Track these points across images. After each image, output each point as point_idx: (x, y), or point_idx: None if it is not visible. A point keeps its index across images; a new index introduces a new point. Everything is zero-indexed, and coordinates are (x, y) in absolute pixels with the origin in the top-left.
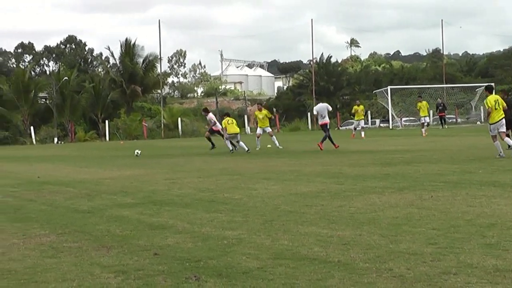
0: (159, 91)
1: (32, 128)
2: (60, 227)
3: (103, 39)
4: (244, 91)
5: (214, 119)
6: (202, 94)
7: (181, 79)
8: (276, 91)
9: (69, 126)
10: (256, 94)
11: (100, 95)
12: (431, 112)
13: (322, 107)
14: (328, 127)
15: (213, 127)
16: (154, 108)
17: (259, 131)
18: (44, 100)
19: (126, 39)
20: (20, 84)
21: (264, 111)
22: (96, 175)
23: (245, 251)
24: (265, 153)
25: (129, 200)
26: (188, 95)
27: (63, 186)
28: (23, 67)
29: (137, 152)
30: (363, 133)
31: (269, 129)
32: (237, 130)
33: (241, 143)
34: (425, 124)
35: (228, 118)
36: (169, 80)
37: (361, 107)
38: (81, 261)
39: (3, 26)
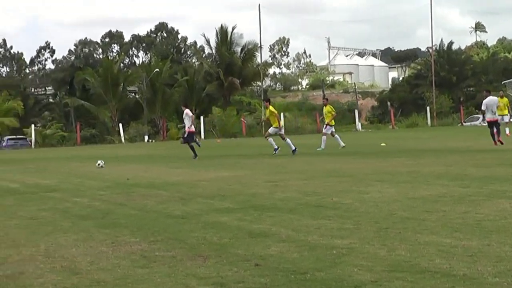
0: (259, 83)
1: (120, 125)
2: (152, 234)
3: (197, 26)
4: (354, 83)
5: (191, 118)
6: (307, 86)
7: (284, 70)
8: (390, 82)
9: (160, 122)
10: (368, 86)
11: (194, 88)
12: None
13: (492, 101)
14: (499, 123)
15: (187, 128)
16: (254, 102)
17: (324, 129)
18: (133, 94)
19: (222, 26)
20: (109, 77)
21: (328, 107)
22: (191, 176)
23: (357, 262)
24: (377, 153)
25: (227, 205)
26: (292, 87)
27: (154, 189)
28: (111, 58)
29: (100, 163)
30: (507, 130)
31: (331, 129)
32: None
33: (288, 140)
34: None
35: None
36: (270, 71)
37: (505, 99)
38: (175, 271)
39: (88, 15)
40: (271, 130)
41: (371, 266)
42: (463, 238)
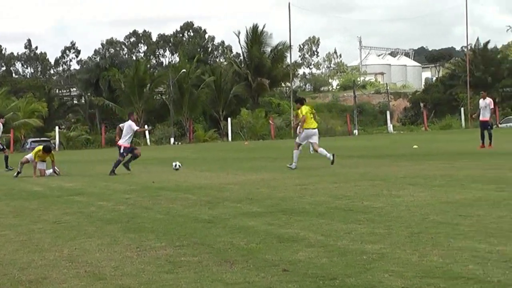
0: (288, 84)
1: (146, 127)
2: (178, 238)
3: (225, 26)
4: (386, 84)
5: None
6: (337, 87)
7: (314, 70)
8: (423, 83)
9: (187, 124)
10: (400, 87)
11: (222, 89)
12: None
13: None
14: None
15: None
16: (283, 103)
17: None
18: (159, 95)
19: (255, 25)
20: (135, 78)
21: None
22: (218, 179)
23: (388, 268)
24: (410, 155)
25: (255, 209)
26: (322, 88)
27: (181, 192)
28: (138, 58)
29: (177, 165)
30: None
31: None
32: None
33: (320, 149)
34: None
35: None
36: (300, 71)
37: None
38: (202, 277)
39: (114, 14)
40: None
41: (403, 272)
42: (498, 243)
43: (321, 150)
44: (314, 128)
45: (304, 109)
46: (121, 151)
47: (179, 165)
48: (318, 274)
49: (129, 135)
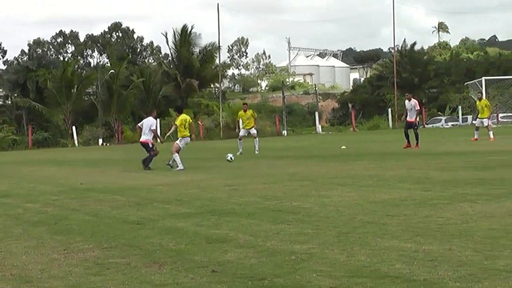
0: (217, 85)
1: (74, 128)
2: (106, 240)
3: (153, 26)
4: (315, 84)
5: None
6: (266, 88)
7: (243, 71)
8: (351, 84)
9: (115, 125)
10: (329, 88)
11: (151, 90)
12: None
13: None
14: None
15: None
16: (212, 104)
17: (242, 133)
18: (88, 96)
19: (183, 25)
20: (63, 79)
21: (249, 112)
22: (147, 181)
23: (317, 267)
24: (338, 156)
25: (184, 210)
26: (251, 89)
27: (109, 194)
28: (65, 59)
29: (231, 157)
30: (491, 134)
31: (254, 131)
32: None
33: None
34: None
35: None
36: (229, 72)
37: (484, 101)
38: (130, 279)
39: (43, 14)
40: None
41: (331, 271)
42: (424, 242)
43: (176, 156)
44: (188, 136)
45: (181, 118)
46: (150, 147)
47: (231, 157)
48: (247, 274)
49: (149, 131)
